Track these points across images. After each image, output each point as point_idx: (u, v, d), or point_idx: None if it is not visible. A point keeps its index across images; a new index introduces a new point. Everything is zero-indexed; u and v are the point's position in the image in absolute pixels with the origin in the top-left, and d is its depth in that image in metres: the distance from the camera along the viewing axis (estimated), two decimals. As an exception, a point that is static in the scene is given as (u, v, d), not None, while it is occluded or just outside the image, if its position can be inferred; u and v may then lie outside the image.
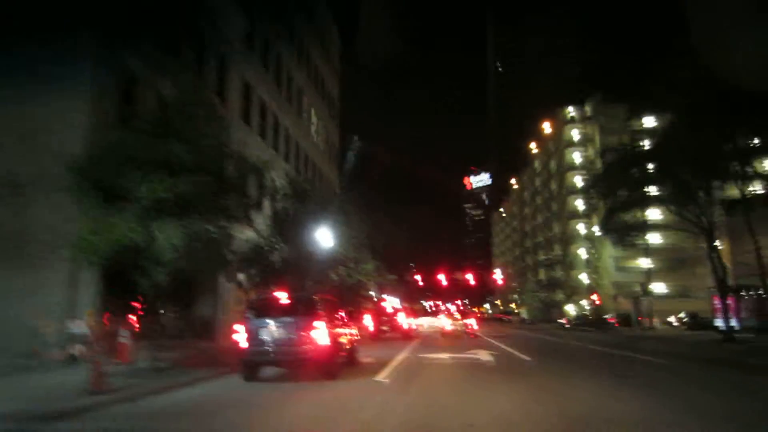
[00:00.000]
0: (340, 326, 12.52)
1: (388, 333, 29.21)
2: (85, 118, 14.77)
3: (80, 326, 12.93)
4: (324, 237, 19.35)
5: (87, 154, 12.11)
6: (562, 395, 9.34)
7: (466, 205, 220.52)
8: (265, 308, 11.33)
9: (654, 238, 69.60)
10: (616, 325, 52.82)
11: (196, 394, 9.76)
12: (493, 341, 25.84)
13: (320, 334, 10.66)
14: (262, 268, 18.88)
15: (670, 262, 67.56)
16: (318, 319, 10.81)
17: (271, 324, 10.72)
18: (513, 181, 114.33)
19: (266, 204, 17.73)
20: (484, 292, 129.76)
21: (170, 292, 13.65)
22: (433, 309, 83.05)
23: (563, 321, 60.31)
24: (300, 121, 37.76)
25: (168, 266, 11.08)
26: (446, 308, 36.10)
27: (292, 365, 11.11)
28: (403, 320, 29.87)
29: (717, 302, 34.02)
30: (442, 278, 66.47)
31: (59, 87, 14.63)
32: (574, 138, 73.19)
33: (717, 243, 29.05)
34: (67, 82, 14.69)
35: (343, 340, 12.56)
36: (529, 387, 10.37)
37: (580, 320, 57.24)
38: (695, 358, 18.43)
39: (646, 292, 47.79)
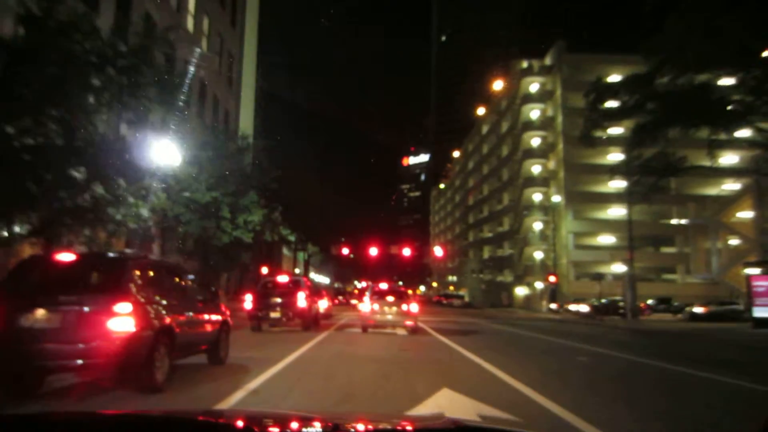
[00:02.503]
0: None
1: (279, 320, 17.62)
2: None
3: None
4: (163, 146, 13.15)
5: None
6: None
7: (403, 186, 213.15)
8: None
9: (616, 212, 60.72)
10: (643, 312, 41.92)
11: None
12: (451, 344, 14.37)
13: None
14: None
15: (637, 240, 58.64)
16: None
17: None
18: (456, 153, 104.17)
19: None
20: (420, 272, 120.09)
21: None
22: (359, 291, 69.77)
23: (577, 308, 44.47)
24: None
25: None
26: (370, 285, 23.63)
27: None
28: (305, 300, 17.95)
29: (762, 284, 24.19)
30: (373, 252, 54.98)
31: None
32: (531, 91, 62.71)
33: None
34: None
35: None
36: None
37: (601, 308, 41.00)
38: None
39: (632, 273, 37.58)
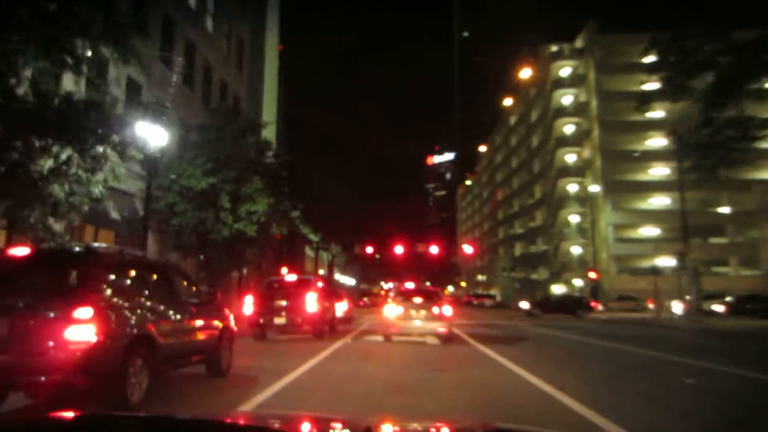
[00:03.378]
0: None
1: (285, 326, 14.86)
2: None
3: None
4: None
5: None
6: None
7: (428, 185, 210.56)
8: None
9: (659, 201, 56.58)
10: (594, 306, 39.43)
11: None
12: (497, 357, 11.34)
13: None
14: None
15: (677, 232, 54.42)
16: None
17: None
18: (483, 148, 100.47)
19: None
20: (448, 271, 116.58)
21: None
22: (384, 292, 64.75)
23: (526, 304, 40.34)
24: None
25: None
26: (397, 287, 20.37)
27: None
28: (316, 303, 15.04)
29: None
30: (399, 250, 52.02)
31: None
32: (562, 75, 58.94)
33: None
34: None
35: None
36: None
37: (546, 303, 39.66)
38: None
39: (684, 264, 33.64)
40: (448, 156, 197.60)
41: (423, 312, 13.85)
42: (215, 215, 17.64)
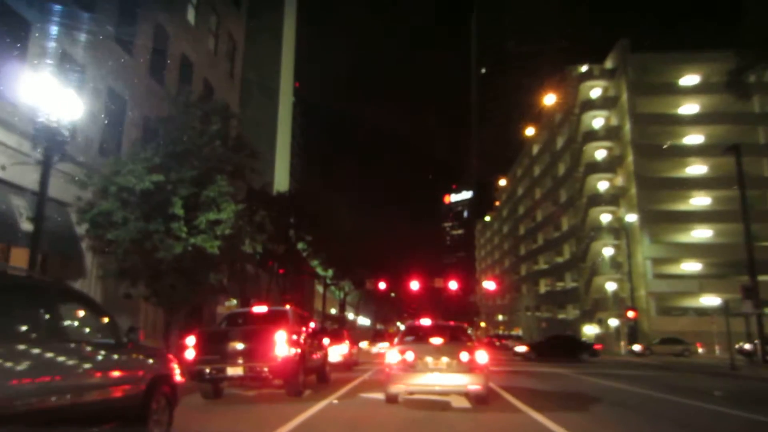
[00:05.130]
0: None
1: (242, 378, 10.12)
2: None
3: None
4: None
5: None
6: None
7: (445, 224, 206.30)
8: None
9: (701, 234, 51.17)
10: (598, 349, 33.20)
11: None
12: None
13: None
14: None
15: (725, 267, 48.85)
16: None
17: None
18: (502, 182, 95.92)
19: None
20: (466, 311, 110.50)
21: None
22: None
23: (521, 347, 34.23)
24: None
25: None
26: (408, 324, 14.53)
27: None
28: (287, 345, 10.30)
29: None
30: (415, 286, 47.19)
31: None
32: (592, 97, 54.64)
33: None
34: None
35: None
36: None
37: (542, 346, 32.28)
38: None
39: (756, 302, 28.16)
40: (466, 194, 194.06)
41: (445, 360, 9.03)
42: (165, 227, 13.20)
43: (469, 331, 10.66)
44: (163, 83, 20.35)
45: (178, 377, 6.58)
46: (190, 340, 10.35)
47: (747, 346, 31.84)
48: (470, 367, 8.89)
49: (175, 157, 13.80)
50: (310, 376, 13.20)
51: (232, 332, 10.54)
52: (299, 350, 10.98)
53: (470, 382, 8.80)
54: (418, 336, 10.57)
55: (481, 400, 9.23)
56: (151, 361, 6.11)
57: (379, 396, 10.14)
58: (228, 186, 13.92)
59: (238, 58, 29.06)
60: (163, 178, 12.84)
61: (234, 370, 10.05)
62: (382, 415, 8.45)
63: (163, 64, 20.61)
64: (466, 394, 9.24)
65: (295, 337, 11.01)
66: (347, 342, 19.88)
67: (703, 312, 47.09)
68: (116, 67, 17.10)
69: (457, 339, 10.30)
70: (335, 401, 10.03)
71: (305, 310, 54.20)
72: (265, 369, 10.08)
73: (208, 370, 10.07)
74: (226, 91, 26.27)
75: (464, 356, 8.95)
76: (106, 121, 16.58)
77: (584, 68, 56.22)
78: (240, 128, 18.64)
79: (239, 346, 10.18)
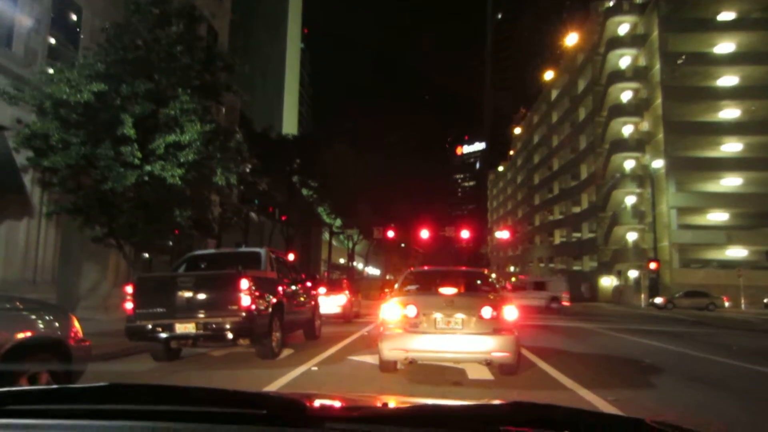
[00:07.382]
0: None
1: (195, 338, 7.72)
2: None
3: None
4: None
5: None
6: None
7: (457, 175, 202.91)
8: None
9: (730, 182, 48.01)
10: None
11: None
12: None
13: None
14: None
15: (754, 219, 45.94)
16: None
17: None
18: (517, 130, 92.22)
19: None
20: (476, 263, 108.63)
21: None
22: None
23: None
24: None
25: None
26: (412, 271, 12.19)
27: None
28: (250, 295, 7.88)
29: None
30: (425, 235, 44.94)
31: None
32: (619, 33, 50.62)
33: None
34: None
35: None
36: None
37: None
38: None
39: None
40: (478, 146, 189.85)
41: (460, 316, 6.56)
42: (115, 151, 10.69)
43: (492, 278, 7.78)
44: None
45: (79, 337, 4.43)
46: (129, 289, 8.00)
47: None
48: (495, 327, 6.42)
49: (126, 65, 11.17)
50: (295, 332, 10.96)
51: (182, 279, 8.13)
52: (274, 301, 8.64)
53: (495, 348, 6.34)
54: (426, 284, 8.12)
55: (508, 370, 6.85)
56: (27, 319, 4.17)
57: (373, 360, 7.80)
58: (192, 103, 11.31)
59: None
60: (106, 88, 10.26)
61: (184, 327, 7.73)
62: (369, 393, 6.08)
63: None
64: (489, 363, 6.84)
65: (268, 285, 8.65)
66: (346, 292, 17.64)
67: (727, 264, 44.59)
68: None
69: (476, 289, 7.86)
70: (314, 368, 7.70)
71: (310, 259, 52.04)
72: (226, 325, 7.74)
73: (150, 327, 7.76)
74: (210, 14, 23.27)
75: (486, 312, 6.48)
76: (55, 31, 13.91)
77: (611, 2, 51.91)
78: (222, 45, 15.83)
79: (192, 296, 7.83)
